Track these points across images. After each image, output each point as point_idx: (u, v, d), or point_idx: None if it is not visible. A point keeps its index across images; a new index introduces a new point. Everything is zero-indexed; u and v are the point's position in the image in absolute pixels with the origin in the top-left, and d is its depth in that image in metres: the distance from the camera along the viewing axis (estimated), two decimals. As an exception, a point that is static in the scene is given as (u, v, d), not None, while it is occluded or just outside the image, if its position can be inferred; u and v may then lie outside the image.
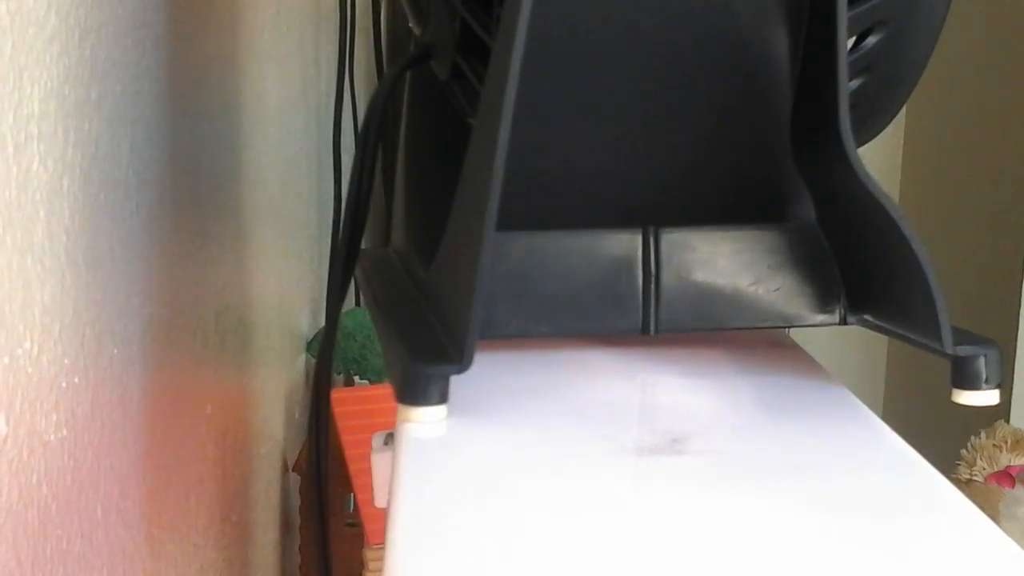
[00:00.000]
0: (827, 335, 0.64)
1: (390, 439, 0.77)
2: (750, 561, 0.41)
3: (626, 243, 0.59)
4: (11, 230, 0.51)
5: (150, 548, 0.76)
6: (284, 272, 1.39)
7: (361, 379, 1.58)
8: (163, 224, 0.77)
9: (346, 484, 1.39)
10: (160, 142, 0.75)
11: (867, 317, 0.59)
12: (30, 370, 0.54)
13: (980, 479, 2.03)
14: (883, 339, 3.00)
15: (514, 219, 0.55)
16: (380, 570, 1.38)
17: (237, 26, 1.04)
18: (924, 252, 0.53)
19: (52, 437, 0.57)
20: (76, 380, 0.60)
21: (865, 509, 0.45)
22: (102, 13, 0.63)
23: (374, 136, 0.70)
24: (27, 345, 0.54)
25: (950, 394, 0.55)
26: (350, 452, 1.33)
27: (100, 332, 0.64)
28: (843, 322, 0.60)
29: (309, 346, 1.62)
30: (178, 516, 0.84)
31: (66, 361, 0.59)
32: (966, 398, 0.54)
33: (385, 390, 1.48)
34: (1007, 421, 2.22)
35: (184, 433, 0.86)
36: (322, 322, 1.73)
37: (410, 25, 0.71)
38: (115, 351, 0.67)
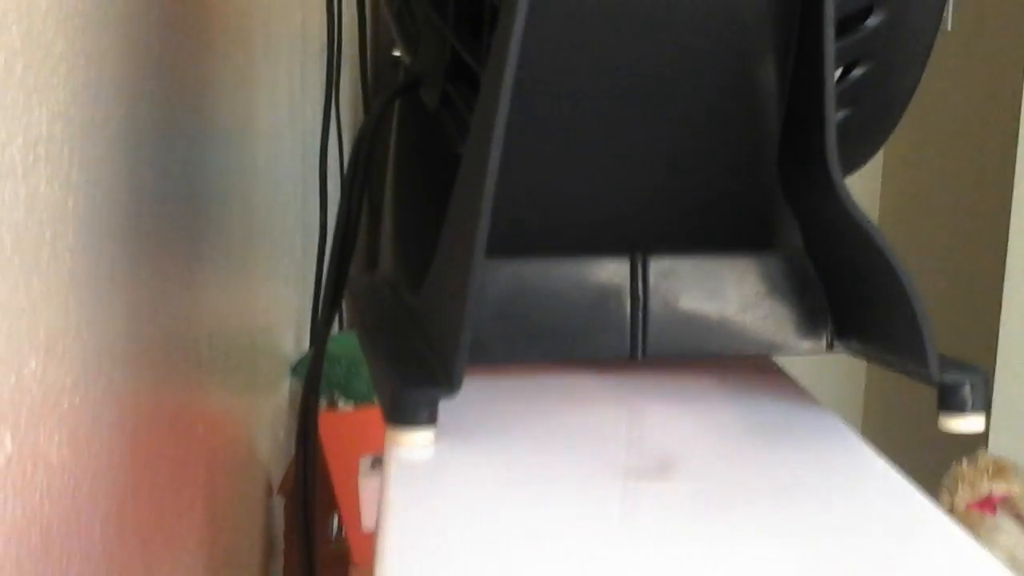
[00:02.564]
0: (806, 360, 0.64)
1: (377, 463, 0.78)
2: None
3: (614, 269, 0.59)
4: (19, 251, 0.52)
5: (145, 569, 0.76)
6: (270, 296, 1.40)
7: (345, 403, 1.59)
8: (160, 247, 0.77)
9: (331, 507, 1.39)
10: (158, 165, 0.76)
11: (853, 344, 0.59)
12: (34, 389, 0.55)
13: (962, 506, 2.03)
14: (862, 365, 3.00)
15: (502, 245, 0.56)
16: (365, 593, 1.38)
17: (230, 52, 1.05)
18: (911, 281, 0.53)
19: (55, 457, 0.58)
20: (77, 400, 0.61)
21: (853, 534, 0.45)
22: (106, 37, 0.64)
23: (363, 163, 0.71)
24: (32, 365, 0.54)
25: (930, 421, 0.55)
26: (335, 476, 1.33)
27: (100, 353, 0.64)
28: (830, 349, 0.60)
29: (294, 370, 1.62)
30: (171, 537, 0.85)
31: (68, 381, 0.59)
32: (952, 424, 0.54)
33: (370, 414, 1.49)
34: (986, 447, 2.23)
35: (178, 454, 0.87)
36: (306, 346, 1.73)
37: (397, 54, 0.71)
38: (114, 372, 0.67)
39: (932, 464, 2.09)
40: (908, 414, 2.69)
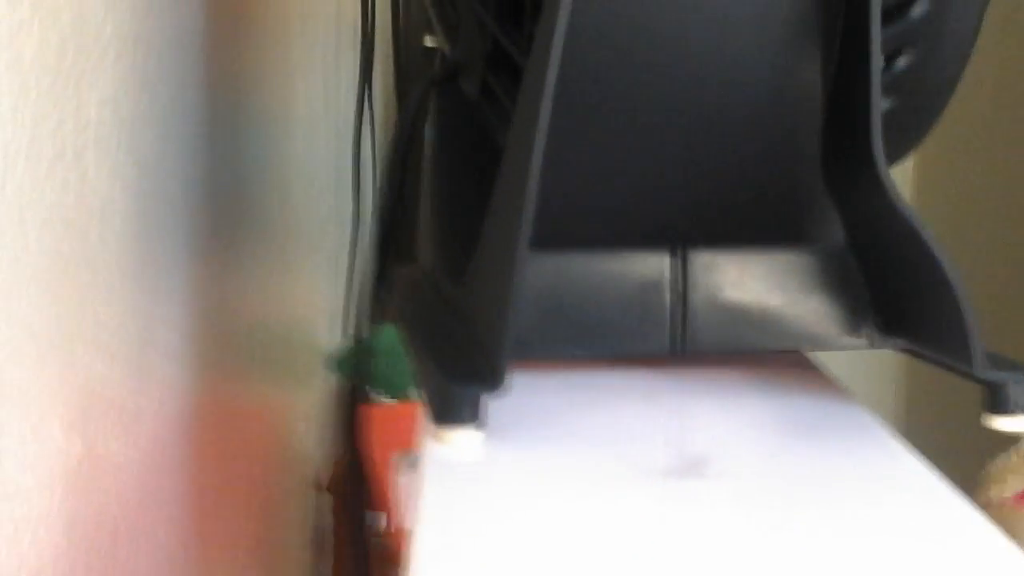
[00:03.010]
0: (843, 355, 0.64)
1: (414, 461, 0.78)
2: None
3: (655, 264, 0.59)
4: (68, 239, 0.52)
5: (206, 568, 0.76)
6: (306, 288, 1.40)
7: (385, 397, 1.58)
8: (203, 236, 0.77)
9: (375, 503, 1.39)
10: (201, 153, 0.76)
11: (896, 339, 0.59)
12: (99, 390, 0.54)
13: (1009, 498, 2.01)
14: (899, 361, 2.99)
15: (544, 238, 0.55)
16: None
17: (269, 40, 1.05)
18: (957, 276, 0.53)
19: (121, 458, 0.57)
20: (141, 401, 0.60)
21: (886, 531, 0.45)
22: (153, 23, 0.64)
23: (404, 153, 0.70)
24: (92, 363, 0.54)
25: (969, 414, 0.55)
26: (380, 471, 1.32)
27: (153, 348, 0.64)
28: (872, 345, 0.59)
29: (329, 362, 1.62)
30: (227, 536, 0.84)
31: (130, 382, 0.59)
32: (998, 423, 0.54)
33: (409, 409, 1.48)
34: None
35: (232, 452, 0.86)
36: (339, 337, 1.73)
37: (429, 43, 0.71)
38: (168, 369, 0.67)
39: (972, 458, 2.08)
40: (948, 407, 2.68)
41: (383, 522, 1.53)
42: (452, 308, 0.62)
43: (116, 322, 0.58)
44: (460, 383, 0.52)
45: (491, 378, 0.52)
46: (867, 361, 2.87)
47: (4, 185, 0.45)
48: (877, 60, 0.55)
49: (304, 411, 1.38)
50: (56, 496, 0.49)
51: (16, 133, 0.46)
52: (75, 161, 0.52)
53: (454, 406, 0.52)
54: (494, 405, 0.53)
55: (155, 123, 0.65)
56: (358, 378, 0.96)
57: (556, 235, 0.58)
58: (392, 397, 1.57)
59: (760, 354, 0.63)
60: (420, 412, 0.56)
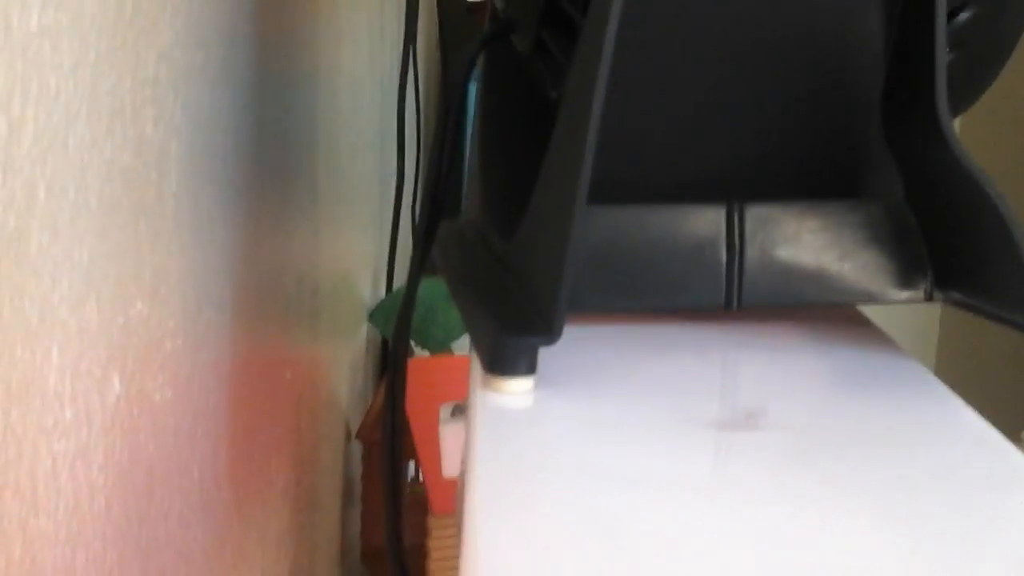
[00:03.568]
0: (877, 313, 0.64)
1: (457, 411, 0.78)
2: (830, 536, 0.41)
3: (711, 218, 0.59)
4: (128, 192, 0.52)
5: (237, 510, 0.77)
6: (350, 242, 1.40)
7: (422, 350, 1.59)
8: (253, 190, 0.78)
9: (408, 453, 1.40)
10: (253, 110, 0.76)
11: (953, 294, 0.58)
12: (141, 331, 0.55)
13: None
14: (935, 319, 2.98)
15: (599, 193, 0.55)
16: (443, 537, 1.39)
17: (316, 1, 1.05)
18: (1020, 230, 0.52)
19: (158, 398, 0.58)
20: (179, 342, 0.61)
21: (943, 483, 0.45)
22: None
23: (456, 110, 0.70)
24: (139, 306, 0.55)
25: (1006, 373, 0.54)
26: (414, 422, 1.34)
27: (199, 296, 0.65)
28: (929, 299, 0.59)
29: (371, 316, 1.63)
30: (261, 479, 0.86)
31: (171, 324, 0.60)
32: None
33: (447, 362, 1.49)
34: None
35: (267, 398, 0.87)
36: (382, 292, 1.74)
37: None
38: (211, 315, 0.68)
39: (1007, 415, 2.08)
40: (983, 367, 2.67)
41: (412, 471, 1.54)
42: (502, 261, 0.62)
43: (168, 269, 0.59)
44: (515, 334, 0.53)
45: (546, 330, 0.52)
46: (901, 316, 2.87)
47: (67, 141, 0.46)
48: (942, 12, 0.54)
49: (342, 361, 1.39)
50: (94, 432, 0.50)
51: (77, 90, 0.46)
52: (134, 117, 0.53)
53: (509, 357, 0.52)
54: (547, 356, 0.53)
55: (209, 80, 0.65)
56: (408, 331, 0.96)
57: (611, 188, 0.58)
58: (427, 350, 1.58)
59: (814, 308, 0.63)
60: (469, 362, 0.57)
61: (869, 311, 0.63)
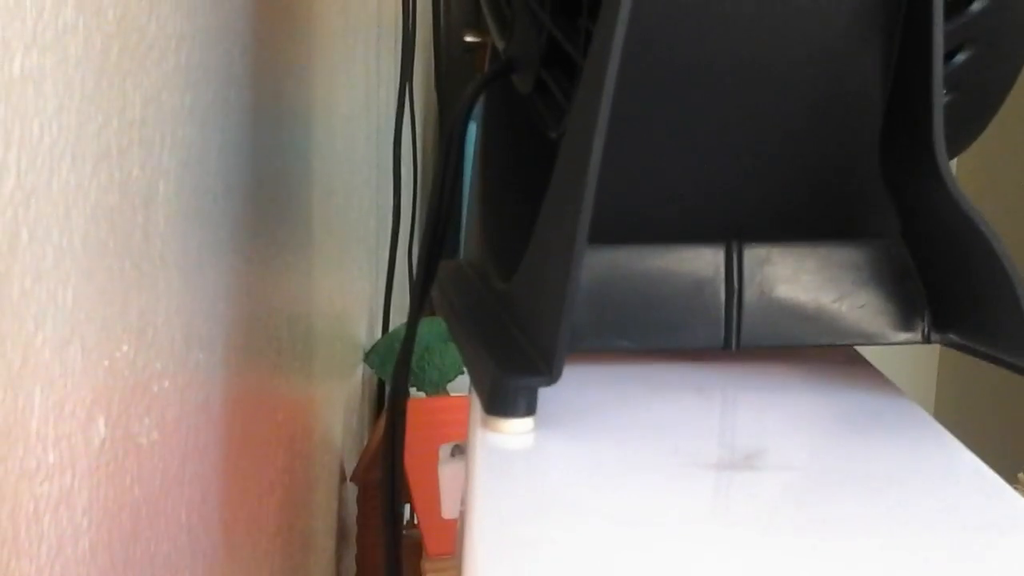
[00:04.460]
0: (876, 355, 0.64)
1: (457, 451, 0.78)
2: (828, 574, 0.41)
3: (709, 258, 0.59)
4: (113, 234, 0.52)
5: (227, 552, 0.76)
6: (345, 283, 1.40)
7: (418, 391, 1.59)
8: (244, 231, 0.77)
9: (404, 495, 1.40)
10: (244, 150, 0.76)
11: (951, 336, 0.58)
12: (126, 373, 0.55)
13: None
14: (933, 362, 2.98)
15: (597, 232, 0.55)
16: (438, 581, 1.38)
17: (311, 37, 1.05)
18: (1016, 271, 0.52)
19: (144, 440, 0.58)
20: (166, 384, 0.61)
21: (942, 526, 0.45)
22: (196, 21, 0.64)
23: (457, 148, 0.70)
24: (124, 348, 0.54)
25: (1003, 414, 0.54)
26: (409, 463, 1.33)
27: (188, 337, 0.65)
28: (926, 340, 0.59)
29: (367, 357, 1.63)
30: (251, 521, 0.85)
31: (158, 365, 0.59)
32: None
33: (443, 403, 1.49)
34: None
35: (258, 439, 0.87)
36: (378, 333, 1.74)
37: (469, 39, 0.70)
38: (200, 356, 0.67)
39: (1006, 457, 2.07)
40: (982, 408, 2.67)
41: (408, 513, 1.54)
42: (502, 301, 0.62)
43: (155, 311, 0.59)
44: (515, 375, 0.52)
45: (546, 370, 0.52)
46: (900, 358, 2.87)
47: (50, 183, 0.45)
48: (939, 54, 0.54)
49: (337, 402, 1.39)
50: (78, 475, 0.50)
51: (62, 132, 0.46)
52: (120, 159, 0.52)
53: (509, 397, 0.52)
54: (546, 396, 0.53)
55: (198, 121, 0.65)
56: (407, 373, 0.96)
57: (610, 229, 0.58)
58: (423, 391, 1.57)
59: (812, 349, 0.63)
60: (467, 402, 0.57)
61: (868, 352, 0.63)
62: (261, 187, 0.83)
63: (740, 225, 0.60)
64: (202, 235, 0.67)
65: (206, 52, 0.66)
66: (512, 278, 0.60)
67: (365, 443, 1.63)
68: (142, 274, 0.56)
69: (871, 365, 0.63)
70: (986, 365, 0.57)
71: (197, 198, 0.65)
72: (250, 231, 0.79)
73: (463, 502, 0.59)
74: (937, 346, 0.60)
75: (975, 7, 0.59)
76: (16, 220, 0.42)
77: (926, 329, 0.59)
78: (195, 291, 0.66)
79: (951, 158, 0.61)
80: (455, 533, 0.74)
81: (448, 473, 0.76)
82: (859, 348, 0.64)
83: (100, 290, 0.51)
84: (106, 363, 0.52)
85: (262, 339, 0.86)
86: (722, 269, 0.59)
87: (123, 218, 0.53)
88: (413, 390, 1.60)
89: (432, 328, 1.51)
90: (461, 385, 1.50)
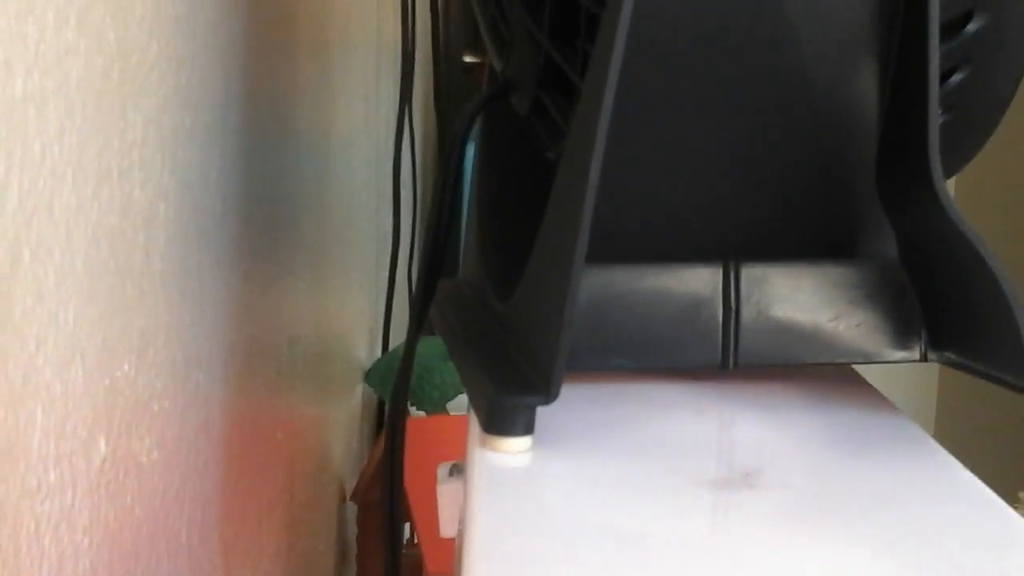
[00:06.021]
0: (875, 377, 0.64)
1: (455, 470, 0.78)
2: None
3: (706, 277, 0.59)
4: (114, 255, 0.52)
5: (227, 572, 0.76)
6: (345, 302, 1.40)
7: (418, 410, 1.59)
8: (244, 251, 0.78)
9: (404, 514, 1.40)
10: (243, 171, 0.76)
11: (948, 355, 0.58)
12: (127, 392, 0.55)
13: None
14: (933, 380, 2.98)
15: (594, 251, 0.55)
16: (438, 600, 1.38)
17: (311, 58, 1.05)
18: (1013, 290, 0.52)
19: (145, 459, 0.58)
20: (167, 404, 0.61)
21: (940, 545, 0.45)
22: (196, 43, 0.64)
23: (455, 169, 0.70)
24: (125, 367, 0.54)
25: (1004, 433, 0.54)
26: (408, 483, 1.33)
27: (188, 357, 0.65)
28: (923, 359, 0.59)
29: (367, 376, 1.63)
30: (251, 542, 0.85)
31: (158, 385, 0.60)
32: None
33: (442, 421, 1.49)
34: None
35: (258, 459, 0.87)
36: (378, 353, 1.74)
37: (468, 60, 0.71)
38: (200, 376, 0.67)
39: (1006, 477, 2.07)
40: (982, 428, 2.67)
41: (408, 532, 1.54)
42: (500, 320, 0.62)
43: (155, 331, 0.59)
44: (513, 394, 0.53)
45: (544, 389, 0.52)
46: (900, 377, 2.87)
47: (52, 205, 0.45)
48: (935, 75, 0.54)
49: (337, 422, 1.39)
50: (79, 494, 0.50)
51: (63, 154, 0.46)
52: (120, 180, 0.53)
53: (507, 416, 0.52)
54: (544, 415, 0.53)
55: (198, 142, 0.65)
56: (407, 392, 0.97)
57: (607, 248, 0.58)
58: (423, 410, 1.57)
59: (810, 368, 0.63)
60: (466, 421, 0.57)
61: (869, 371, 0.63)
62: (261, 208, 0.83)
63: (737, 245, 0.60)
64: (202, 255, 0.67)
65: (206, 74, 0.66)
66: (510, 298, 0.61)
67: (365, 462, 1.63)
68: (143, 294, 0.56)
69: (869, 384, 0.63)
70: (986, 384, 0.57)
71: (197, 219, 0.65)
72: (250, 251, 0.79)
73: (461, 521, 0.59)
74: (937, 366, 0.60)
75: (970, 28, 0.59)
76: (18, 240, 0.43)
77: (923, 348, 0.59)
78: (195, 311, 0.66)
79: (948, 177, 0.62)
80: (454, 552, 0.74)
81: (447, 492, 0.76)
82: (857, 368, 0.64)
83: (101, 310, 0.51)
84: (107, 382, 0.52)
85: (262, 358, 0.86)
86: (719, 288, 0.59)
87: (124, 238, 0.54)
88: (412, 409, 1.60)
89: (431, 347, 1.51)
90: (460, 404, 1.50)
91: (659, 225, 0.61)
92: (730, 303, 0.59)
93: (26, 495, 0.45)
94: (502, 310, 0.62)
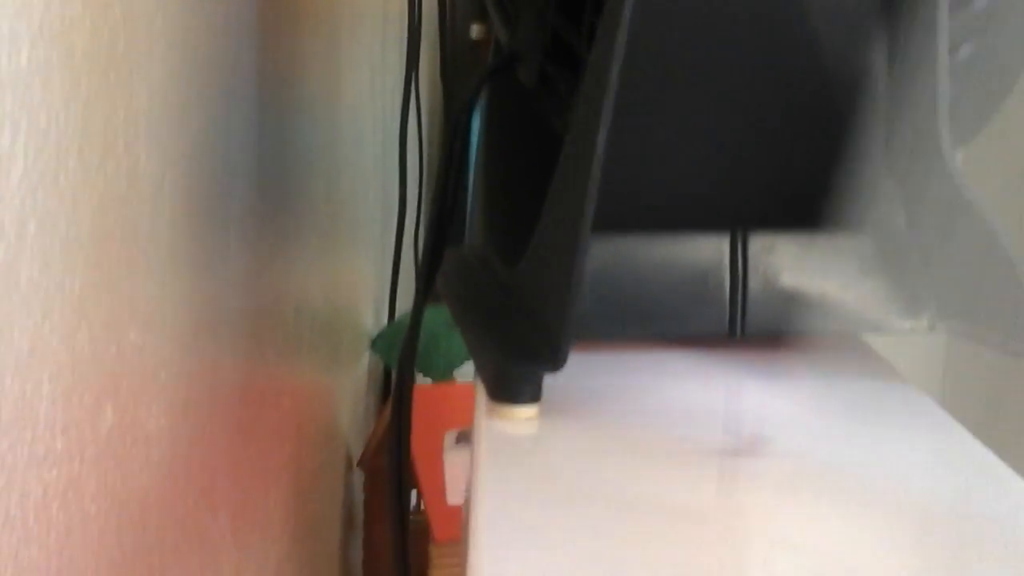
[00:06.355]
0: (884, 349, 0.64)
1: (462, 438, 0.78)
2: (834, 564, 0.41)
3: (714, 246, 0.59)
4: (121, 224, 0.52)
5: (235, 539, 0.77)
6: (352, 272, 1.40)
7: (424, 377, 1.59)
8: (251, 220, 0.78)
9: (410, 481, 1.40)
10: (250, 140, 0.76)
11: (955, 324, 0.58)
12: (134, 361, 0.55)
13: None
14: (940, 353, 2.98)
15: (602, 220, 0.55)
16: (445, 566, 1.39)
17: (318, 29, 1.05)
18: (1018, 259, 0.52)
19: (152, 427, 0.58)
20: (174, 371, 0.61)
21: (949, 512, 0.45)
22: (202, 15, 0.64)
23: (462, 139, 0.70)
24: (132, 336, 0.54)
25: (1012, 404, 0.54)
26: (415, 450, 1.33)
27: (195, 325, 0.65)
28: (931, 328, 0.59)
29: (373, 344, 1.63)
30: (258, 508, 0.85)
31: (165, 353, 0.60)
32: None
33: (449, 389, 1.49)
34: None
35: (265, 427, 0.87)
36: (384, 321, 1.74)
37: (474, 34, 0.70)
38: (207, 344, 0.67)
39: (1012, 448, 2.07)
40: (989, 397, 2.67)
41: (414, 499, 1.54)
42: (507, 288, 0.62)
43: (162, 299, 0.59)
44: (520, 362, 0.53)
45: (551, 357, 0.52)
46: (906, 348, 2.86)
47: (57, 175, 0.45)
48: (944, 45, 0.54)
49: (343, 389, 1.39)
50: (86, 462, 0.50)
51: (69, 125, 0.46)
52: (126, 151, 0.53)
53: (514, 384, 0.53)
54: (551, 383, 0.54)
55: (204, 112, 0.65)
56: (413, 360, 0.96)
57: (615, 217, 0.58)
58: (430, 378, 1.57)
59: (817, 336, 0.63)
60: (473, 389, 0.57)
61: (877, 340, 0.63)
62: (267, 177, 0.83)
63: (745, 213, 0.60)
64: (209, 225, 0.67)
65: (212, 45, 0.66)
66: (517, 266, 0.61)
67: (372, 429, 1.63)
68: (150, 263, 0.56)
69: (876, 353, 0.64)
70: (994, 356, 0.57)
71: (204, 188, 0.65)
72: (257, 220, 0.79)
73: (468, 488, 0.59)
74: (944, 337, 0.60)
75: (977, 3, 0.59)
76: (24, 210, 0.43)
77: (931, 317, 0.59)
78: (202, 280, 0.66)
79: (957, 147, 0.62)
80: (461, 518, 0.74)
81: (454, 460, 0.76)
82: (865, 336, 0.64)
83: (108, 279, 0.51)
84: (114, 351, 0.52)
85: (269, 327, 0.86)
86: (727, 257, 0.59)
87: (130, 208, 0.53)
88: (419, 376, 1.60)
89: (438, 316, 1.51)
90: (467, 372, 1.50)
91: (667, 194, 0.61)
92: (737, 272, 0.59)
93: (33, 463, 0.45)
94: (508, 279, 0.62)
